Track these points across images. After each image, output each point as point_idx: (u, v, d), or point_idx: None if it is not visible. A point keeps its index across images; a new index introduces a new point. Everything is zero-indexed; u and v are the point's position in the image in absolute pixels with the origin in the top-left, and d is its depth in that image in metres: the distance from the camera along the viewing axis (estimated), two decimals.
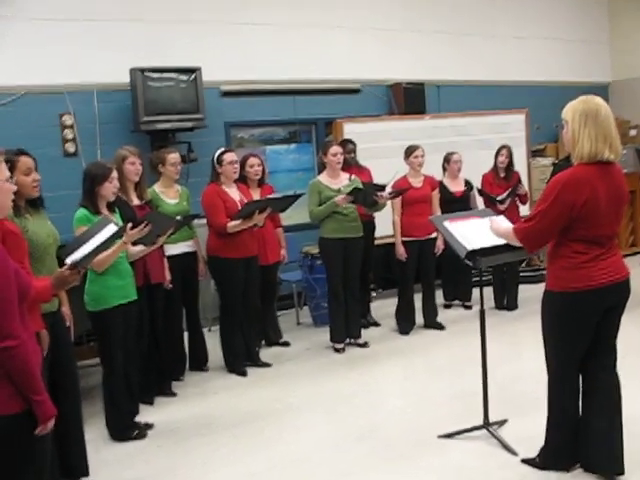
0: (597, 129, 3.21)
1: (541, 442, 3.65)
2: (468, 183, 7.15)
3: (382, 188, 5.97)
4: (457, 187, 7.07)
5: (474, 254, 3.83)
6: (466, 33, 9.21)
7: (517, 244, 3.45)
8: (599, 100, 3.31)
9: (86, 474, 3.90)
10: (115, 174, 4.36)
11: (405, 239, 6.43)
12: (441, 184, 6.85)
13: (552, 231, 3.29)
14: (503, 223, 3.58)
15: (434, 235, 6.42)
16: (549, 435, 3.60)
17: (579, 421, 3.51)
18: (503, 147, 7.14)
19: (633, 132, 10.08)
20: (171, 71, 6.80)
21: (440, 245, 6.47)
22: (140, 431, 4.57)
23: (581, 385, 3.52)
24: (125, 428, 4.52)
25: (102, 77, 6.71)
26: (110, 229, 3.55)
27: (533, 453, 3.73)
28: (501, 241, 3.93)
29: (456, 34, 9.12)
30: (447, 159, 7.07)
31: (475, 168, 7.20)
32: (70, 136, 6.63)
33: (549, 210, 3.24)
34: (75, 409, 3.81)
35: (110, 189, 4.31)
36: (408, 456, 4.02)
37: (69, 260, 3.04)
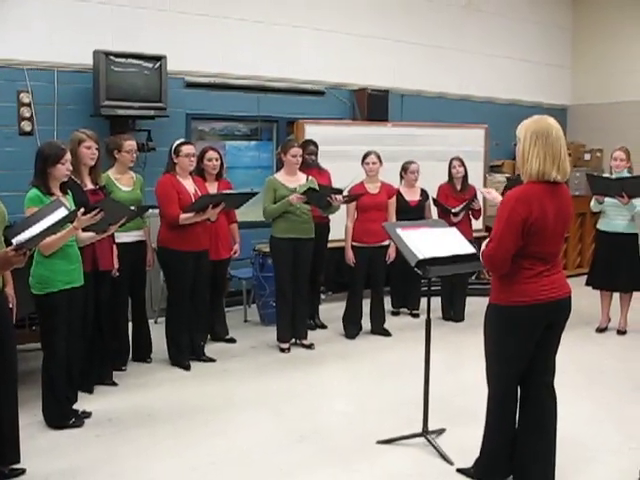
0: (546, 149, 3.27)
1: (477, 453, 3.70)
2: (424, 193, 7.21)
3: (339, 192, 6.00)
4: (413, 196, 7.13)
5: (424, 263, 3.88)
6: (434, 45, 9.32)
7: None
8: (551, 121, 3.36)
9: (17, 461, 3.79)
10: (68, 156, 4.28)
11: (356, 244, 6.46)
12: (397, 192, 6.90)
13: (513, 248, 3.29)
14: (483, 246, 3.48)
15: (386, 242, 6.45)
16: (485, 447, 3.65)
17: (515, 435, 3.56)
18: (454, 159, 7.25)
19: (587, 156, 10.31)
20: (136, 57, 6.71)
21: (392, 253, 6.50)
22: (77, 419, 4.50)
23: (520, 405, 3.56)
24: (62, 415, 4.44)
25: (64, 57, 6.62)
26: (60, 213, 3.50)
27: (469, 463, 3.77)
28: (451, 252, 3.99)
29: (424, 45, 9.22)
30: (404, 168, 7.13)
31: (432, 179, 7.28)
32: (27, 114, 6.49)
33: (505, 229, 3.27)
34: (11, 392, 3.71)
35: (62, 171, 4.23)
36: (346, 459, 4.04)
37: (15, 241, 2.99)
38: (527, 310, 3.33)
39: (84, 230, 4.31)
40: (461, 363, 5.85)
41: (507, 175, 9.20)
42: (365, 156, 6.51)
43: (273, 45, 7.93)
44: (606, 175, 6.79)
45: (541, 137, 3.29)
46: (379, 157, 6.47)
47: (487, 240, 3.40)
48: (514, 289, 3.34)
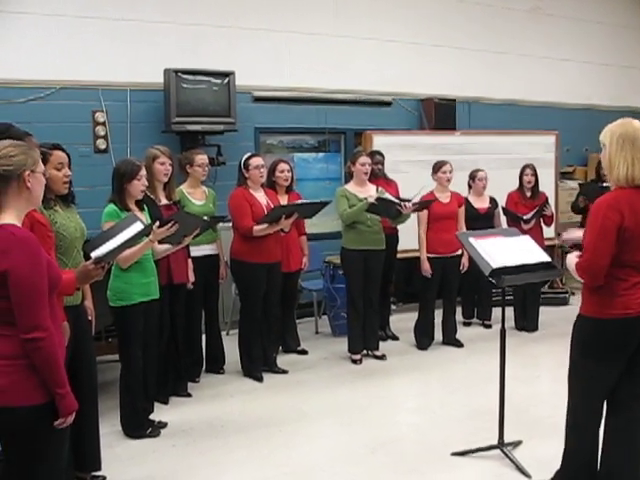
0: (634, 153, 3.14)
1: (555, 466, 3.59)
2: (493, 201, 7.12)
3: (407, 201, 5.95)
4: (482, 204, 7.04)
5: (498, 272, 3.81)
6: (500, 51, 9.19)
7: (581, 280, 3.30)
8: (638, 123, 3.23)
9: (98, 468, 3.91)
10: (144, 172, 4.40)
11: (430, 255, 6.39)
12: (466, 201, 6.83)
13: (609, 257, 3.15)
14: (573, 259, 3.34)
15: (459, 252, 6.39)
16: (565, 462, 3.52)
17: (598, 448, 3.43)
18: (527, 166, 7.08)
19: None
20: (205, 74, 6.84)
21: (466, 262, 6.43)
22: (153, 429, 4.59)
23: (606, 412, 3.42)
24: (139, 425, 4.54)
25: (136, 76, 6.79)
26: (136, 227, 3.56)
27: (546, 476, 3.67)
28: (525, 261, 3.91)
29: (490, 52, 9.10)
30: (472, 176, 7.04)
31: (502, 187, 7.16)
32: (102, 133, 6.70)
33: (600, 237, 3.14)
34: (92, 403, 3.81)
35: (138, 187, 4.36)
36: (420, 472, 4.00)
37: (94, 255, 3.07)
38: (621, 323, 3.18)
39: (160, 242, 4.41)
40: (536, 374, 5.75)
41: (579, 181, 8.99)
42: (440, 165, 6.43)
43: (339, 57, 7.96)
44: None
45: (628, 141, 3.16)
46: (451, 166, 6.43)
47: (574, 252, 3.30)
48: (607, 301, 3.20)
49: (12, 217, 2.52)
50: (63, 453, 2.70)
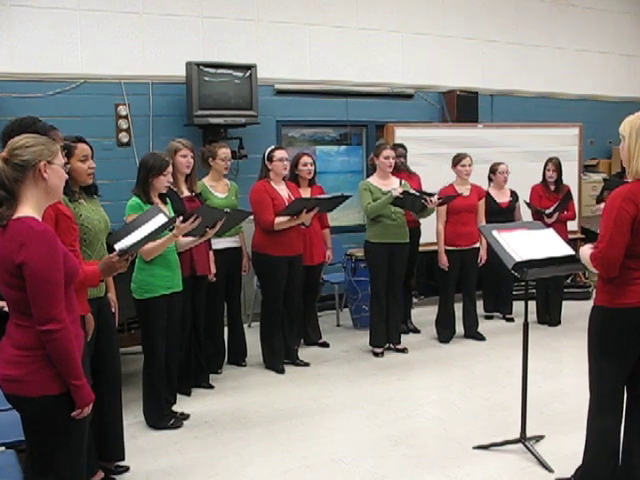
0: None
1: (577, 461, 3.56)
2: (514, 194, 7.07)
3: (431, 195, 5.93)
4: (503, 198, 7.00)
5: (521, 265, 3.79)
6: (523, 43, 9.12)
7: (595, 271, 3.29)
8: None
9: (122, 459, 3.95)
10: (170, 168, 4.42)
11: (448, 248, 6.38)
12: (487, 194, 6.79)
13: (623, 248, 3.14)
14: (587, 250, 3.34)
15: (477, 245, 6.39)
16: (587, 455, 3.50)
17: (619, 443, 3.41)
18: (549, 161, 7.01)
19: None
20: (227, 67, 6.87)
21: (483, 255, 6.43)
22: (176, 421, 4.62)
23: (626, 406, 3.40)
24: (162, 416, 4.57)
25: (158, 70, 6.84)
26: (160, 219, 3.57)
27: (569, 472, 3.65)
28: (549, 254, 3.89)
29: (512, 44, 9.03)
30: (493, 169, 7.00)
31: (526, 180, 7.11)
32: (124, 126, 6.74)
33: (615, 228, 3.12)
34: (115, 395, 3.85)
35: (164, 182, 4.38)
36: (442, 465, 3.99)
37: (117, 247, 3.08)
38: (634, 312, 3.19)
39: (183, 235, 4.42)
40: (558, 368, 5.72)
41: (604, 176, 8.89)
42: (460, 159, 6.40)
43: (360, 50, 7.96)
44: None
45: None
46: (471, 159, 6.39)
47: (587, 244, 3.29)
48: (620, 290, 3.20)
49: (31, 209, 2.52)
50: (83, 443, 2.72)
